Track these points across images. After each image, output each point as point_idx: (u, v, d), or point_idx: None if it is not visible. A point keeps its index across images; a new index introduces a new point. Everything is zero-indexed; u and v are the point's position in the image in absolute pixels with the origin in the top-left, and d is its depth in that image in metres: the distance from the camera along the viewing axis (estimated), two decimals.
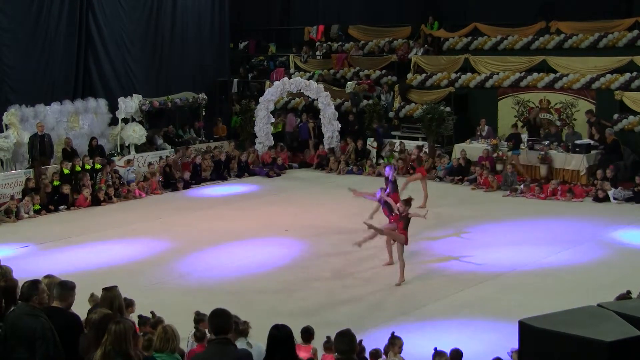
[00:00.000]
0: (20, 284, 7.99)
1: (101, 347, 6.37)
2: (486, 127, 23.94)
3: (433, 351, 9.26)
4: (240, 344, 7.02)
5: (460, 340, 10.35)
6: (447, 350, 9.23)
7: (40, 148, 21.57)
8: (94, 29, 25.35)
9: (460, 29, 27.07)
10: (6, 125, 21.70)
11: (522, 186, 20.86)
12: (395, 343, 9.40)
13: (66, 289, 7.58)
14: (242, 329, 7.26)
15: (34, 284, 7.50)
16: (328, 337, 9.09)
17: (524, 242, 16.38)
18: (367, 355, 9.20)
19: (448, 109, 24.67)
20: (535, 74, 24.10)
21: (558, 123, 23.20)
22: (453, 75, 25.73)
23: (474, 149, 23.30)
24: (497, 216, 18.75)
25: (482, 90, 25.06)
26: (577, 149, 21.49)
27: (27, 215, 19.62)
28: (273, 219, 18.88)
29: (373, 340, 9.87)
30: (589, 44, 24.12)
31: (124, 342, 6.33)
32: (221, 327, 6.55)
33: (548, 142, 22.23)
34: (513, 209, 19.51)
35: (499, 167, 22.31)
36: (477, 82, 25.13)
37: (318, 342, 9.48)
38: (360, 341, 9.00)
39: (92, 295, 9.23)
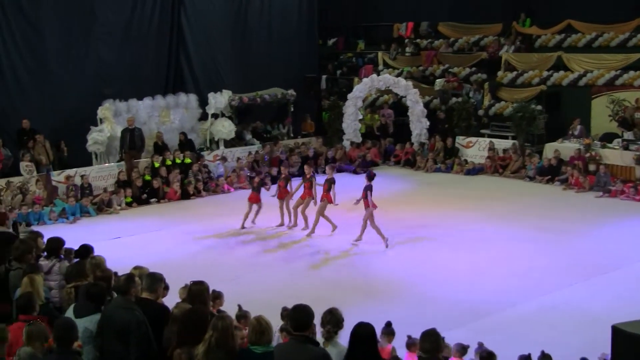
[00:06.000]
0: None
1: (204, 343, 6.49)
2: (579, 127, 23.38)
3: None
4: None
5: (550, 341, 10.09)
6: (536, 352, 9.02)
7: (130, 142, 22.08)
8: (186, 24, 25.72)
9: (553, 26, 26.53)
10: (100, 119, 22.29)
11: (615, 186, 20.30)
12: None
13: (155, 280, 7.71)
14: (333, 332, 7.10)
15: (130, 277, 7.65)
16: (409, 336, 9.00)
17: (618, 245, 15.92)
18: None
19: (539, 107, 24.21)
20: (631, 72, 23.43)
21: None
22: (545, 73, 25.23)
23: (566, 148, 22.79)
24: (589, 217, 18.30)
25: (575, 89, 24.49)
26: None
27: (119, 207, 20.12)
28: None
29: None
30: None
31: (230, 337, 6.51)
32: (299, 323, 6.59)
33: None
34: (606, 210, 19.03)
35: (591, 167, 21.77)
36: (569, 80, 24.57)
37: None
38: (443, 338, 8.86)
39: (186, 286, 9.31)
